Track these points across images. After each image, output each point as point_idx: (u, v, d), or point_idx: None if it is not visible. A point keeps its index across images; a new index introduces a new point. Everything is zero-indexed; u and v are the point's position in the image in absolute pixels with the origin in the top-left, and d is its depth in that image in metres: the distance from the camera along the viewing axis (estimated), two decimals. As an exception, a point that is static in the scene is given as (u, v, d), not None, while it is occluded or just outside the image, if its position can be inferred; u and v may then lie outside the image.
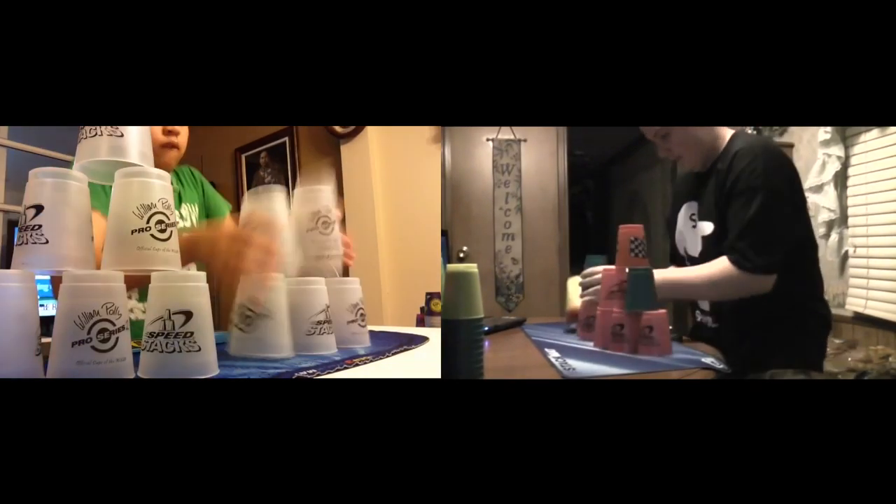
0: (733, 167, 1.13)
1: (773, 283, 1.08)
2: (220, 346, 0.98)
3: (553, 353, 1.01)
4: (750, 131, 2.10)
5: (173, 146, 1.17)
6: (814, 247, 1.22)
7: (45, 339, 0.67)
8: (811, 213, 1.74)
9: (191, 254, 0.87)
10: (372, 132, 2.55)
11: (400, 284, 2.46)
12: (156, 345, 0.69)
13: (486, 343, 0.91)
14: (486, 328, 1.26)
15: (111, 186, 0.77)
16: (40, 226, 0.70)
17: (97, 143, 0.77)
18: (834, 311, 1.64)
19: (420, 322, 1.66)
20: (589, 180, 5.18)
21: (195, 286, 0.72)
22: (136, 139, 0.79)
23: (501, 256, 3.29)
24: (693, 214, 1.28)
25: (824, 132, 2.20)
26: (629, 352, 1.00)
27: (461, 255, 3.23)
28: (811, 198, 2.20)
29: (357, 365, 0.81)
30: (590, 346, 1.09)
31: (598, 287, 1.11)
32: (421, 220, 2.40)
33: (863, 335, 2.11)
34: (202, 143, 2.67)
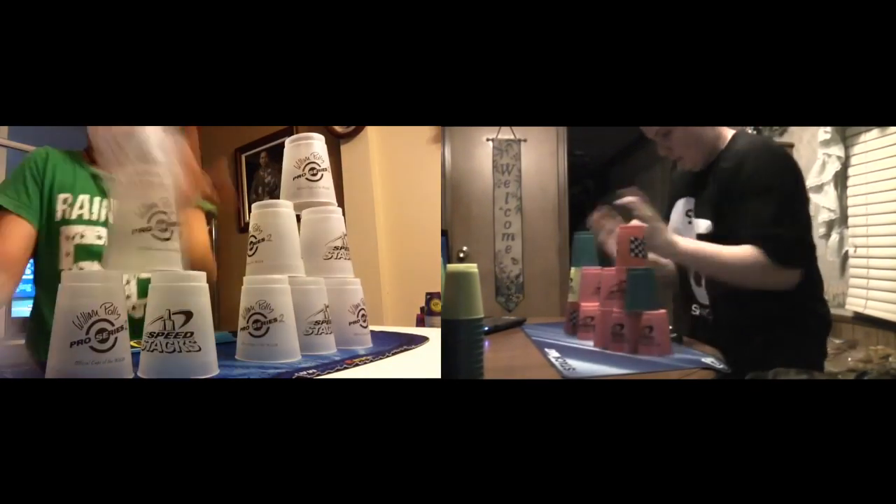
0: (744, 166, 1.12)
1: (798, 280, 1.08)
2: (221, 346, 0.98)
3: (553, 353, 1.01)
4: (750, 131, 2.10)
5: None
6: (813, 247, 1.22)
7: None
8: (811, 212, 1.74)
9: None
10: (372, 132, 2.54)
11: (400, 284, 2.46)
12: (156, 345, 0.69)
13: (486, 343, 0.91)
14: (486, 328, 1.26)
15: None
16: None
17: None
18: (834, 311, 1.64)
19: (420, 322, 1.66)
20: (589, 180, 5.17)
21: (195, 286, 0.72)
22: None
23: (501, 256, 3.29)
24: (690, 210, 1.28)
25: (824, 132, 2.20)
26: (629, 352, 1.01)
27: (461, 255, 3.23)
28: (811, 198, 2.19)
29: (357, 365, 0.81)
30: (590, 346, 1.10)
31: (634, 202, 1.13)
32: (421, 220, 2.39)
33: (863, 335, 2.11)
34: (202, 143, 2.66)
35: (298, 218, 1.04)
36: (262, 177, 2.97)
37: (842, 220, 2.21)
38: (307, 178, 1.04)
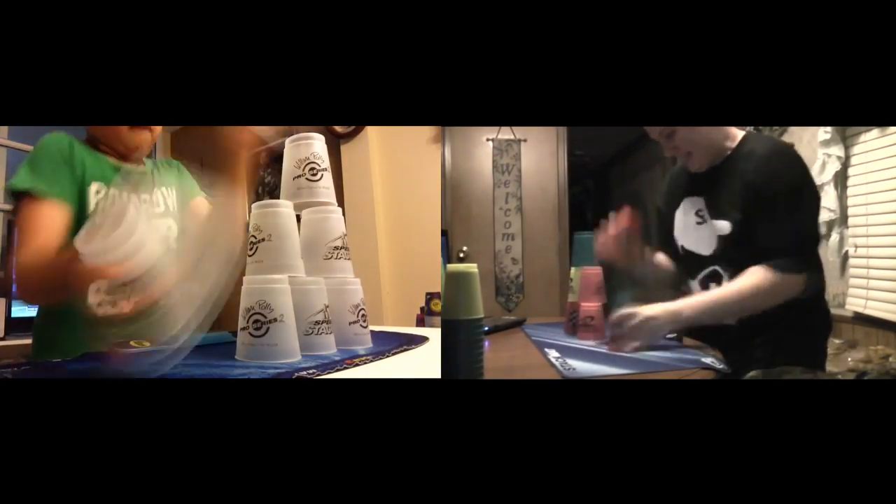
0: (761, 169, 1.10)
1: (804, 282, 1.08)
2: (220, 345, 0.98)
3: (553, 353, 1.01)
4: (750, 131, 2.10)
5: (145, 127, 1.11)
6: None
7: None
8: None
9: None
10: (372, 132, 2.55)
11: (400, 284, 2.46)
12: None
13: (486, 343, 0.91)
14: (486, 328, 1.26)
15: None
16: None
17: None
18: (834, 311, 1.64)
19: (420, 322, 1.66)
20: (589, 180, 5.17)
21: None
22: None
23: (501, 256, 3.29)
24: (700, 211, 1.25)
25: (824, 132, 2.20)
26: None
27: (461, 255, 3.23)
28: (811, 198, 2.19)
29: (357, 365, 0.81)
30: (590, 345, 1.10)
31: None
32: (421, 220, 2.39)
33: (863, 335, 2.11)
34: (203, 144, 2.66)
35: (298, 218, 1.04)
36: (262, 177, 2.97)
37: (842, 220, 2.21)
38: (307, 178, 1.04)
